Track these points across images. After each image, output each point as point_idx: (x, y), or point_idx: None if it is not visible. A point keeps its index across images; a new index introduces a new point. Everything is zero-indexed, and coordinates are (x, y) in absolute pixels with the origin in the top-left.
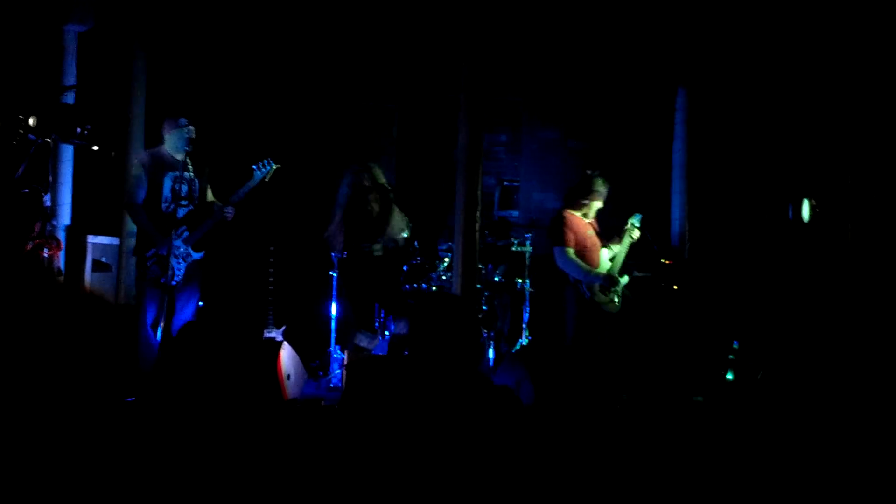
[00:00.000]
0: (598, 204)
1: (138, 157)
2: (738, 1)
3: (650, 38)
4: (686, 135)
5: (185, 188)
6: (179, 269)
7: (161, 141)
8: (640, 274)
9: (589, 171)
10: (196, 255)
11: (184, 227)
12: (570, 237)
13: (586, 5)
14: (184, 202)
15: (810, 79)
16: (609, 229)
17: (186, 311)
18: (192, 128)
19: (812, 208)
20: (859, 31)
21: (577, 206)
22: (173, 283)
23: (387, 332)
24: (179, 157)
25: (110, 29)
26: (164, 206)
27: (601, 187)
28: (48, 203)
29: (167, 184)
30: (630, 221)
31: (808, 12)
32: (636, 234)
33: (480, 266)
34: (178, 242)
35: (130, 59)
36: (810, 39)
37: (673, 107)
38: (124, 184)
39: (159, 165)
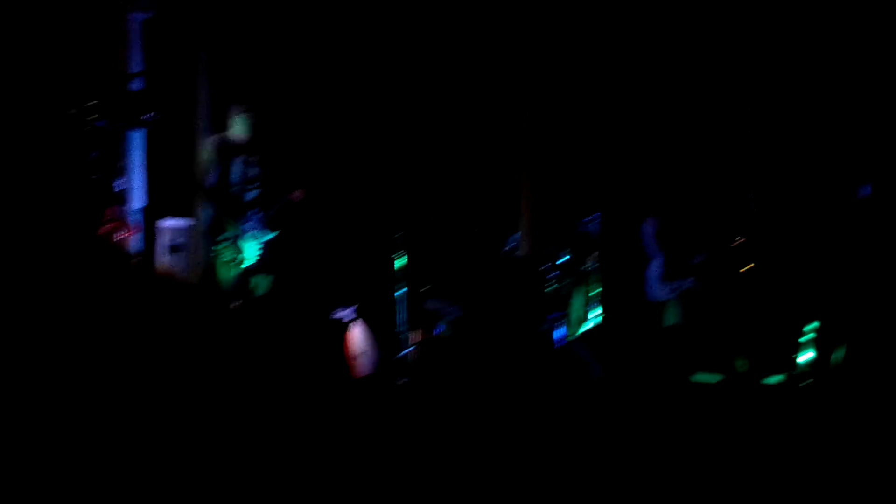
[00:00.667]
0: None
1: (208, 143)
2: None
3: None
4: (755, 113)
5: (253, 171)
6: (253, 249)
7: (228, 126)
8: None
9: None
10: (268, 236)
11: (255, 209)
12: (665, 219)
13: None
14: (253, 185)
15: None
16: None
17: (261, 291)
18: (257, 112)
19: (875, 189)
20: None
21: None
22: (248, 263)
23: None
24: (247, 141)
25: (174, 15)
26: (234, 189)
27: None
28: (120, 188)
29: (236, 168)
30: None
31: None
32: None
33: (548, 246)
34: (250, 224)
35: (195, 45)
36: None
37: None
38: (194, 169)
39: (228, 150)
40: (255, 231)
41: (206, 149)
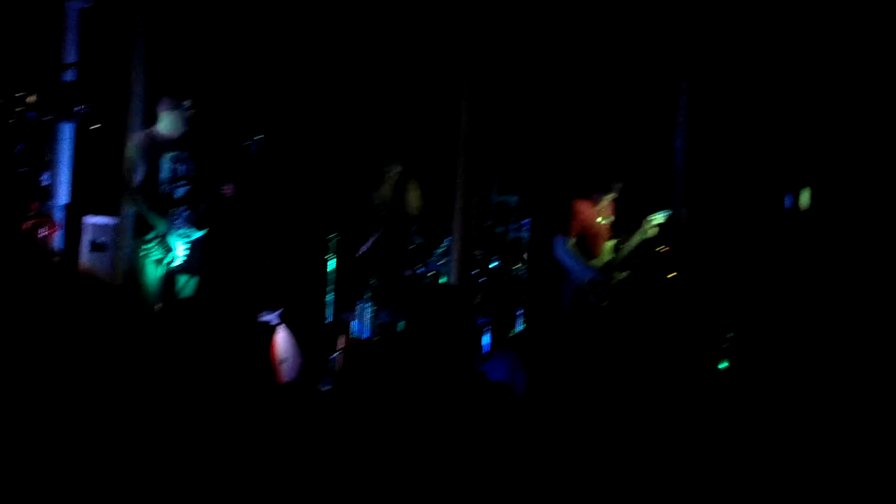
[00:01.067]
0: (612, 196)
1: (134, 139)
2: None
3: (655, 33)
4: (687, 123)
5: (182, 168)
6: (181, 249)
7: (158, 120)
8: (638, 261)
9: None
10: (196, 235)
11: (183, 207)
12: (575, 226)
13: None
14: (182, 182)
15: (812, 66)
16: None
17: (186, 292)
18: (189, 107)
19: (811, 197)
20: (859, 22)
21: (590, 197)
22: (175, 263)
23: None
24: (177, 136)
25: (112, 4)
26: (162, 187)
27: (617, 184)
28: (46, 182)
29: (165, 164)
30: (653, 218)
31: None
32: (654, 231)
33: (478, 252)
34: (178, 222)
35: (131, 36)
36: (811, 29)
37: (676, 97)
38: (122, 164)
39: (156, 146)
40: (183, 230)
41: (134, 144)
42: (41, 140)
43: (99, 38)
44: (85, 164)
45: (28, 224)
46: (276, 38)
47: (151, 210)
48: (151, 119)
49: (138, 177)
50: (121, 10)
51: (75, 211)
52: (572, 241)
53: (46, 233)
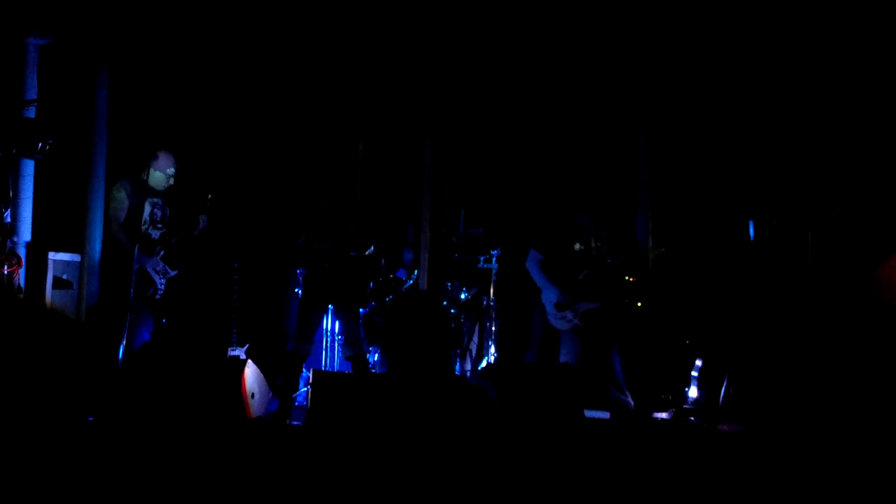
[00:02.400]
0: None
1: (121, 182)
2: (694, 31)
3: (614, 67)
4: (650, 155)
5: (159, 213)
6: (161, 284)
7: (145, 167)
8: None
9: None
10: (172, 273)
11: (160, 248)
12: (550, 245)
13: (554, 38)
14: (159, 225)
15: (770, 100)
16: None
17: (157, 327)
18: (175, 170)
19: (758, 228)
20: (813, 56)
21: (574, 220)
22: (157, 297)
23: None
24: (159, 188)
25: (72, 42)
26: (143, 228)
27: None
28: (8, 219)
29: (147, 209)
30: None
31: (763, 39)
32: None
33: (447, 283)
34: (157, 259)
35: (93, 73)
36: (767, 63)
37: (638, 129)
38: (85, 201)
39: (141, 191)
40: (162, 266)
41: (121, 188)
42: (3, 177)
43: (61, 74)
44: (48, 201)
45: None
46: (235, 74)
47: (138, 247)
48: (115, 154)
49: (122, 217)
50: (82, 47)
51: (39, 247)
52: (542, 258)
53: (10, 270)
